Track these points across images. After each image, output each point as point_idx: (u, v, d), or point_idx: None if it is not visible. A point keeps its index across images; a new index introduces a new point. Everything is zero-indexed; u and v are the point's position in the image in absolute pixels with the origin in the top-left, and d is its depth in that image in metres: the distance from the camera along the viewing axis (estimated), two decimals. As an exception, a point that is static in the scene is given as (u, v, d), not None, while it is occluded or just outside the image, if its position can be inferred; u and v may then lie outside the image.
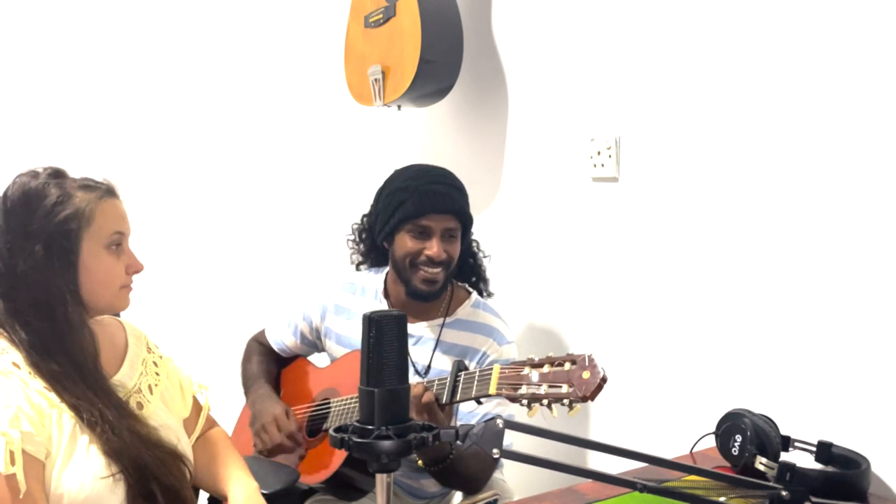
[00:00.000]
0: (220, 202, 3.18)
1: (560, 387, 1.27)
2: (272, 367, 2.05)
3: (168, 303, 3.04)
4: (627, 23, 1.92)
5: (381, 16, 2.29)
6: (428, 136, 2.58)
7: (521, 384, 1.32)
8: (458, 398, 1.46)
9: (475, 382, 1.42)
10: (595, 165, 2.00)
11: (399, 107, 2.35)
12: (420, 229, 1.76)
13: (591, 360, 1.28)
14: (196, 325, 3.04)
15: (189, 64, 3.12)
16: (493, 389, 1.37)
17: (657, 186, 1.88)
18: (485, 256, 1.98)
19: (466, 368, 1.47)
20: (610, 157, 1.96)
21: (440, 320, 1.82)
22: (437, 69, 2.22)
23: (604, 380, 1.25)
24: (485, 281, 1.97)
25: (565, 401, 1.26)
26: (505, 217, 2.30)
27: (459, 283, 1.93)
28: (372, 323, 0.92)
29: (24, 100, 2.90)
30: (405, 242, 1.77)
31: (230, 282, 3.17)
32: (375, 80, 2.29)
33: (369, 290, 1.91)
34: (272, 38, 3.12)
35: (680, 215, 1.84)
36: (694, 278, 1.81)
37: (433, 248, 1.74)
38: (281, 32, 3.10)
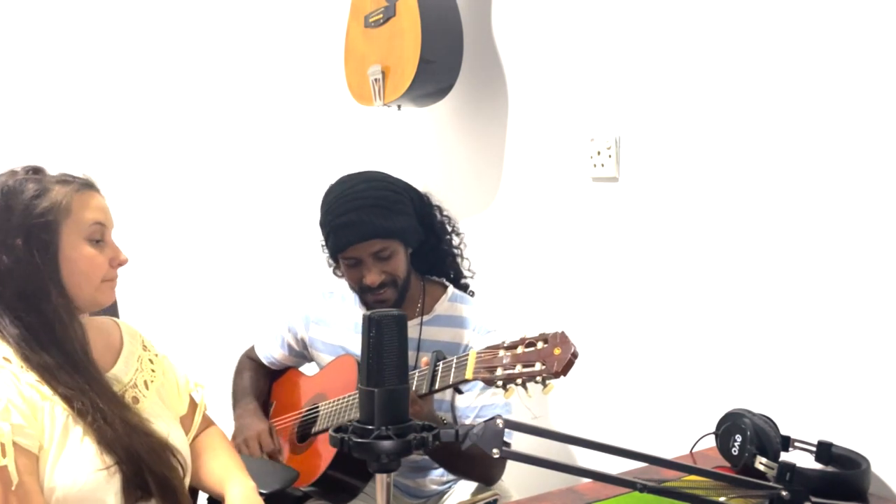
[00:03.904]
0: (220, 202, 3.18)
1: (533, 365, 1.27)
2: (262, 382, 2.05)
3: (164, 302, 3.04)
4: (627, 23, 1.92)
5: (381, 16, 2.28)
6: (428, 136, 2.58)
7: (497, 367, 1.32)
8: (437, 387, 1.46)
9: (452, 370, 1.43)
10: (595, 165, 2.00)
11: (399, 107, 2.35)
12: (350, 261, 1.74)
13: (562, 336, 1.28)
14: (193, 325, 3.04)
15: (189, 65, 3.12)
16: (469, 374, 1.37)
17: (657, 186, 1.88)
18: (456, 234, 1.91)
19: (445, 358, 1.48)
20: (610, 157, 1.96)
21: (418, 319, 1.81)
22: (437, 69, 2.21)
23: (574, 355, 1.25)
24: (458, 272, 1.92)
25: (538, 378, 1.26)
26: (505, 217, 2.30)
27: (434, 279, 1.89)
28: (372, 323, 0.92)
29: (18, 100, 2.90)
30: (345, 271, 1.78)
31: (228, 281, 3.18)
32: (375, 80, 2.29)
33: (348, 297, 1.91)
34: (272, 38, 3.12)
35: (680, 215, 1.84)
36: (694, 278, 1.81)
37: (368, 276, 1.72)
38: (281, 32, 3.10)
